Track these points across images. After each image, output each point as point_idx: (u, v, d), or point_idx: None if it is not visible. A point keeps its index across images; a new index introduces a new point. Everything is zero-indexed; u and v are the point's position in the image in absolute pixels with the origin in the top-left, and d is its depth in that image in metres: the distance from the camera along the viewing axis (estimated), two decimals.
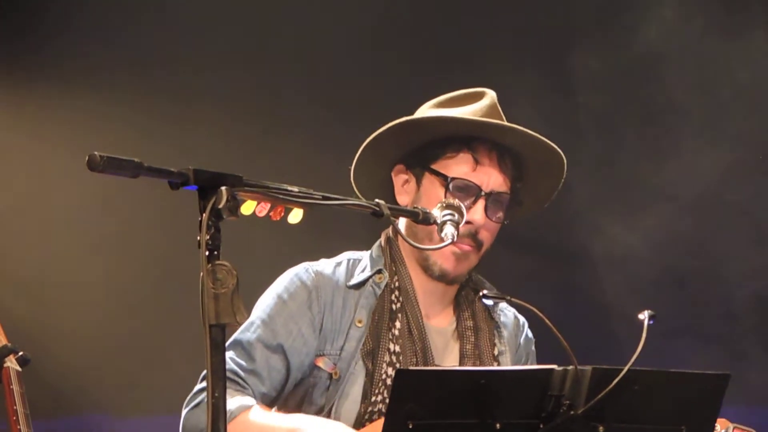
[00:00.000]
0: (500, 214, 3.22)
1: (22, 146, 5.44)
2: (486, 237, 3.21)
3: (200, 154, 5.23)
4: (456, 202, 2.82)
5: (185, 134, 5.38)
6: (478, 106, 3.23)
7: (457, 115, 3.21)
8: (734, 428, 3.22)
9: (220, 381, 2.20)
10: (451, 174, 3.19)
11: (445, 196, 3.15)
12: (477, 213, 3.16)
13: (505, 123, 3.20)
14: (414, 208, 2.82)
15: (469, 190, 3.17)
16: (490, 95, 3.27)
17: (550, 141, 3.23)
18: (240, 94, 5.46)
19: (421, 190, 3.23)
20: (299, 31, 5.48)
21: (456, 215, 2.79)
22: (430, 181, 3.22)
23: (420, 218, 2.78)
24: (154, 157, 2.23)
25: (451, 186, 3.17)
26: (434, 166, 3.21)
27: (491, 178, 3.19)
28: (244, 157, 5.30)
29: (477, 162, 3.19)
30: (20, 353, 3.99)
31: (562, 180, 3.30)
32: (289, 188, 2.40)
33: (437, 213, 2.79)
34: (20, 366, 3.98)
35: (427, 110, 3.29)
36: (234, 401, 2.99)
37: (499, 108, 3.25)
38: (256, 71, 5.46)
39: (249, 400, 3.02)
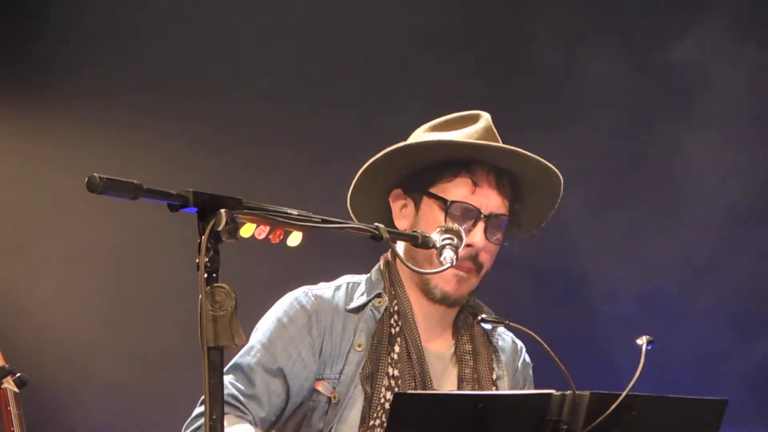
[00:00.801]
0: (499, 236, 3.22)
1: (22, 169, 5.44)
2: (486, 259, 3.20)
3: (200, 176, 5.24)
4: (455, 226, 2.82)
5: (185, 156, 5.39)
6: (473, 128, 3.23)
7: (454, 138, 3.21)
8: None
9: (217, 403, 2.19)
10: (450, 197, 3.19)
11: (445, 220, 3.15)
12: (477, 236, 3.16)
13: (503, 145, 3.21)
14: (414, 231, 2.82)
15: (468, 213, 3.17)
16: (485, 117, 3.27)
17: (547, 161, 3.24)
18: (240, 116, 5.47)
19: (419, 214, 3.23)
20: (301, 52, 5.49)
21: (455, 239, 2.79)
22: (428, 205, 3.21)
23: (419, 242, 2.78)
24: (154, 178, 2.23)
25: (450, 209, 3.17)
26: (433, 190, 3.21)
27: (490, 201, 3.19)
28: (244, 179, 5.30)
29: (475, 185, 3.19)
30: (18, 374, 3.99)
31: (559, 200, 3.31)
32: (289, 211, 2.40)
33: (436, 237, 2.79)
34: (18, 387, 3.98)
35: (422, 134, 3.29)
36: (234, 429, 2.99)
37: (494, 130, 3.25)
38: (258, 94, 5.48)
39: (249, 428, 3.02)
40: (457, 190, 3.19)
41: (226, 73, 5.48)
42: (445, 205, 3.18)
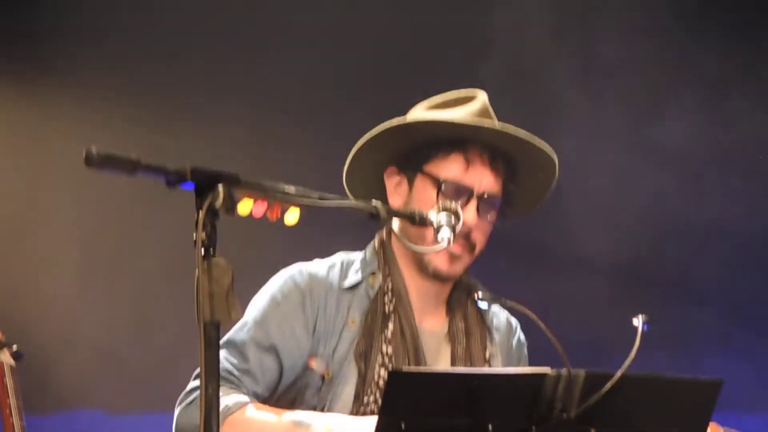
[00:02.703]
0: (492, 216, 3.22)
1: (19, 144, 5.44)
2: (479, 238, 3.21)
3: (199, 153, 5.23)
4: (453, 205, 2.82)
5: (184, 133, 5.38)
6: (469, 108, 3.23)
7: (449, 117, 3.21)
8: None
9: (213, 377, 2.20)
10: (442, 176, 3.19)
11: (437, 198, 3.15)
12: (469, 214, 3.16)
13: (497, 125, 3.20)
14: (411, 210, 2.82)
15: (461, 192, 3.17)
16: (482, 97, 3.27)
17: (543, 142, 3.24)
18: (240, 90, 5.46)
19: (413, 192, 3.23)
20: (299, 29, 5.48)
21: (452, 218, 2.79)
22: (422, 183, 3.22)
23: (417, 220, 2.78)
24: (152, 153, 2.23)
25: (442, 188, 3.17)
26: (426, 168, 3.21)
27: (483, 180, 3.19)
28: (242, 156, 5.30)
29: (469, 163, 3.19)
30: (14, 348, 3.99)
31: (554, 181, 3.31)
32: (286, 188, 2.40)
33: (434, 216, 2.79)
34: (14, 360, 3.98)
35: (419, 112, 3.29)
36: (230, 397, 2.99)
37: (491, 109, 3.25)
38: (256, 70, 5.47)
39: (244, 397, 3.03)
40: (450, 168, 3.19)
41: (226, 51, 5.47)
42: (438, 183, 3.18)
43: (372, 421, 2.78)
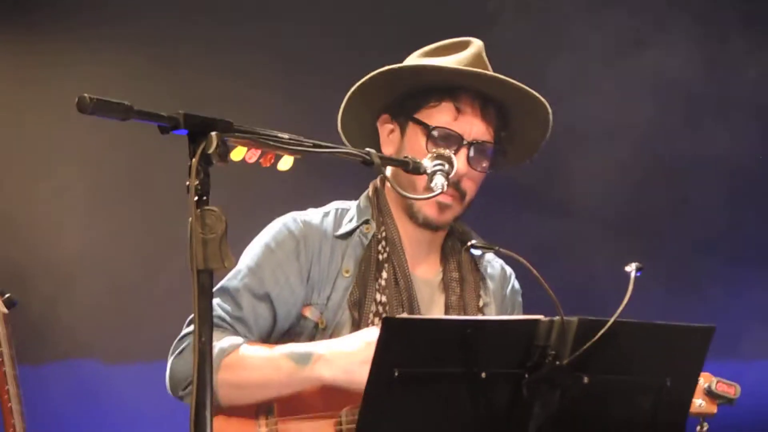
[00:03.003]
0: (484, 164, 3.21)
1: (15, 89, 5.42)
2: (469, 186, 3.20)
3: (193, 100, 5.22)
4: (446, 152, 2.81)
5: (178, 80, 5.37)
6: (463, 55, 3.22)
7: (441, 64, 3.19)
8: (718, 382, 3.24)
9: (206, 325, 2.20)
10: (433, 123, 3.18)
11: (427, 146, 3.15)
12: (459, 162, 3.14)
13: (488, 72, 3.19)
14: (405, 157, 2.82)
15: (450, 140, 3.17)
16: (477, 44, 3.25)
17: (535, 91, 3.22)
18: (236, 43, 5.44)
19: (405, 139, 3.23)
20: None
21: (446, 165, 2.78)
22: (413, 131, 3.21)
23: (410, 168, 2.78)
24: (148, 103, 2.22)
25: (432, 135, 3.17)
26: (417, 116, 3.21)
27: (473, 128, 3.18)
28: (237, 105, 5.28)
29: (459, 111, 3.18)
30: (7, 295, 3.99)
31: (549, 131, 3.30)
32: (280, 135, 2.40)
33: (427, 163, 2.78)
34: (6, 308, 3.98)
35: (414, 59, 3.28)
36: (224, 340, 3.00)
37: (485, 57, 3.23)
38: (253, 19, 5.45)
39: (238, 339, 3.03)
40: (441, 116, 3.19)
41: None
42: (428, 130, 3.17)
43: (371, 332, 2.80)
